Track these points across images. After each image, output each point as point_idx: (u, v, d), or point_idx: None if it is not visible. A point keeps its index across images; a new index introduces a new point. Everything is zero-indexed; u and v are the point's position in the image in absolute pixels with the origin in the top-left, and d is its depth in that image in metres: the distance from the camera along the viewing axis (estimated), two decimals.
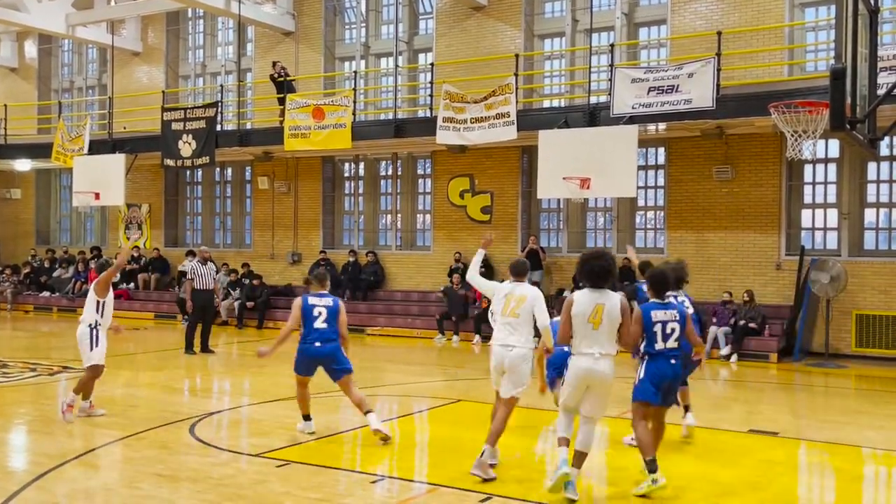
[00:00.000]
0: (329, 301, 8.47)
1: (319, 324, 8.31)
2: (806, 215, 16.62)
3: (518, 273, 7.45)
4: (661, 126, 15.74)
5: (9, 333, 19.12)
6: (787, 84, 14.76)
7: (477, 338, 16.93)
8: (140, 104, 22.86)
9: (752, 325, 15.31)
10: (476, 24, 19.27)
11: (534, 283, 8.53)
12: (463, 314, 17.53)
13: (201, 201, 24.25)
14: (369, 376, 12.94)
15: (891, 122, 9.45)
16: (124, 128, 22.32)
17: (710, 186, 16.79)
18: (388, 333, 18.41)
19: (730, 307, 15.69)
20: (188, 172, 23.48)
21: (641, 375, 6.83)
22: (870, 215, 16.27)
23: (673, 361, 6.82)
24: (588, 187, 14.62)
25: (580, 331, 6.50)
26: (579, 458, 6.52)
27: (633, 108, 14.84)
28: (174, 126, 20.31)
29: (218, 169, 23.27)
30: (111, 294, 9.32)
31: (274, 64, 20.14)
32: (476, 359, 15.06)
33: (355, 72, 20.20)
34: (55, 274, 24.59)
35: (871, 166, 16.04)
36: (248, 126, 21.79)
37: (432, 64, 18.76)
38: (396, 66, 20.26)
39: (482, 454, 6.90)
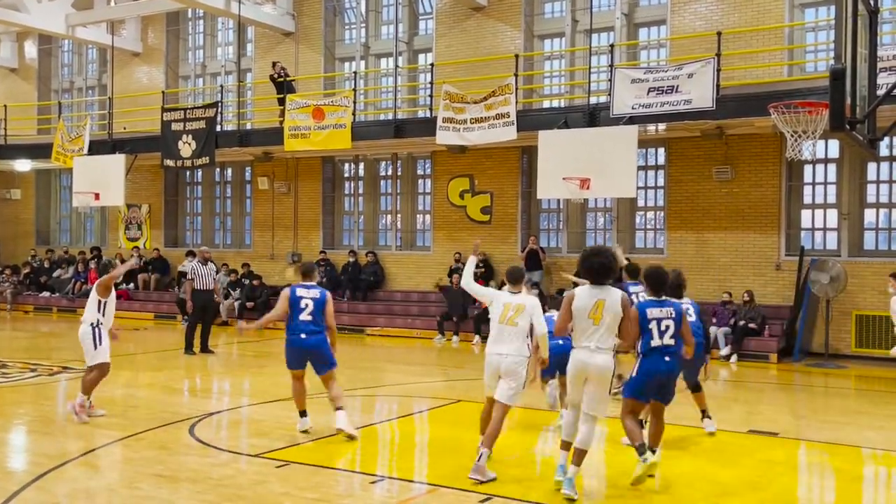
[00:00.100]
0: (316, 293, 8.54)
1: (305, 315, 8.41)
2: (806, 216, 16.62)
3: (514, 280, 7.50)
4: (661, 126, 15.75)
5: (9, 334, 19.12)
6: (787, 84, 14.76)
7: (476, 338, 16.92)
8: (140, 104, 22.87)
9: (751, 325, 15.32)
10: (476, 25, 19.27)
11: (534, 284, 8.58)
12: (463, 314, 17.53)
13: (201, 202, 24.25)
14: (369, 376, 12.95)
15: (890, 122, 9.46)
16: (124, 128, 22.32)
17: (709, 187, 16.79)
18: (387, 334, 18.41)
19: (729, 307, 15.70)
20: (188, 173, 23.48)
21: (635, 372, 6.98)
22: (869, 216, 16.27)
23: (667, 358, 6.91)
24: (588, 188, 14.62)
25: (580, 326, 6.58)
26: (579, 456, 6.55)
27: (632, 108, 14.84)
28: (174, 126, 20.31)
29: (218, 169, 23.27)
30: (113, 294, 9.33)
31: (274, 64, 20.13)
32: (476, 359, 15.04)
33: (355, 72, 20.20)
34: (55, 274, 24.59)
35: (871, 167, 16.04)
36: (248, 126, 21.79)
37: (432, 64, 18.77)
38: (396, 66, 20.27)
39: (479, 458, 6.90)
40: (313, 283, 8.70)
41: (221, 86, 21.70)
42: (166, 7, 22.37)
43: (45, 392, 11.35)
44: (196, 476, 7.03)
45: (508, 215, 18.98)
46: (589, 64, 16.54)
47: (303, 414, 8.61)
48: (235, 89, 22.06)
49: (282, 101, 19.23)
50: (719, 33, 15.05)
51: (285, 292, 8.59)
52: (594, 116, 15.63)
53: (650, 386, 6.97)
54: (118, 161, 20.59)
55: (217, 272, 17.29)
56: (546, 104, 18.91)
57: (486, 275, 18.16)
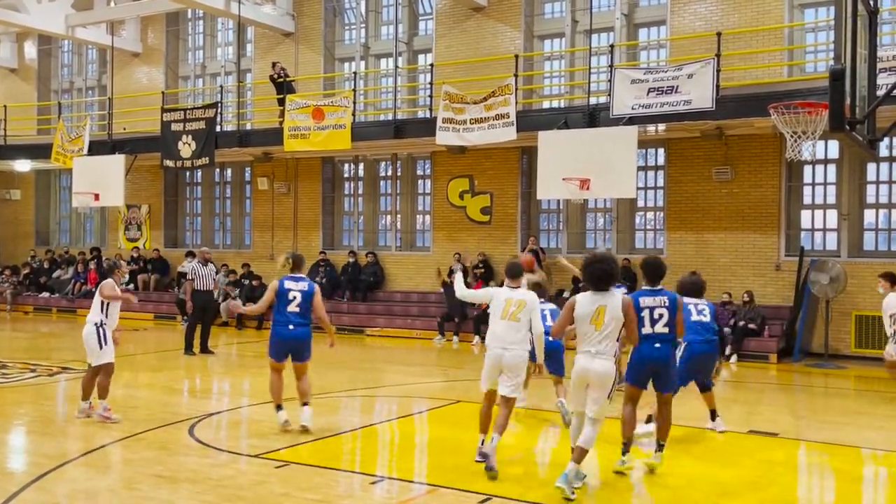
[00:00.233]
0: (304, 285, 8.63)
1: (293, 307, 8.50)
2: (805, 216, 16.62)
3: (513, 275, 7.62)
4: (661, 127, 15.75)
5: (8, 334, 19.10)
6: (787, 85, 14.76)
7: (476, 339, 16.91)
8: (140, 105, 22.87)
9: (751, 325, 15.32)
10: (476, 25, 19.28)
11: (538, 285, 8.66)
12: (463, 315, 17.53)
13: (201, 202, 24.24)
14: (369, 377, 12.95)
15: (890, 122, 9.46)
16: (124, 129, 22.32)
17: (709, 187, 16.79)
18: (387, 334, 18.41)
19: (729, 308, 15.70)
20: (188, 173, 23.48)
21: (630, 360, 7.30)
22: (869, 216, 16.27)
23: (658, 345, 7.17)
24: (588, 188, 14.63)
25: (582, 331, 6.68)
26: (580, 454, 6.60)
27: (632, 108, 14.84)
28: (174, 127, 20.31)
29: (217, 170, 23.27)
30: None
31: (274, 65, 20.13)
32: (475, 360, 15.03)
33: (355, 73, 20.21)
34: (55, 275, 24.58)
35: (871, 167, 16.04)
36: (248, 127, 21.79)
37: (432, 65, 18.77)
38: (396, 66, 20.27)
39: (492, 441, 7.07)
40: (302, 276, 8.79)
41: (221, 86, 21.70)
42: (166, 7, 22.37)
43: (44, 392, 11.35)
44: (196, 476, 7.03)
45: (508, 216, 18.98)
46: (589, 64, 16.55)
47: (279, 408, 8.68)
48: (235, 90, 22.06)
49: (281, 102, 19.23)
50: (719, 34, 15.05)
51: (273, 284, 8.72)
52: (594, 117, 15.64)
53: (643, 373, 7.26)
54: (118, 161, 20.60)
55: (217, 272, 17.31)
56: (546, 105, 18.91)
57: (485, 275, 18.18)
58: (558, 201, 18.24)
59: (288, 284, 8.59)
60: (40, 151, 23.12)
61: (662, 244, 17.48)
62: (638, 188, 16.16)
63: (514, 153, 18.65)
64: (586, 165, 14.51)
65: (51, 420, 9.41)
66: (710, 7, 16.76)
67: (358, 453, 8.30)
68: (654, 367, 7.22)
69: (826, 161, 16.31)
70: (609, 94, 15.41)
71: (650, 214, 18.15)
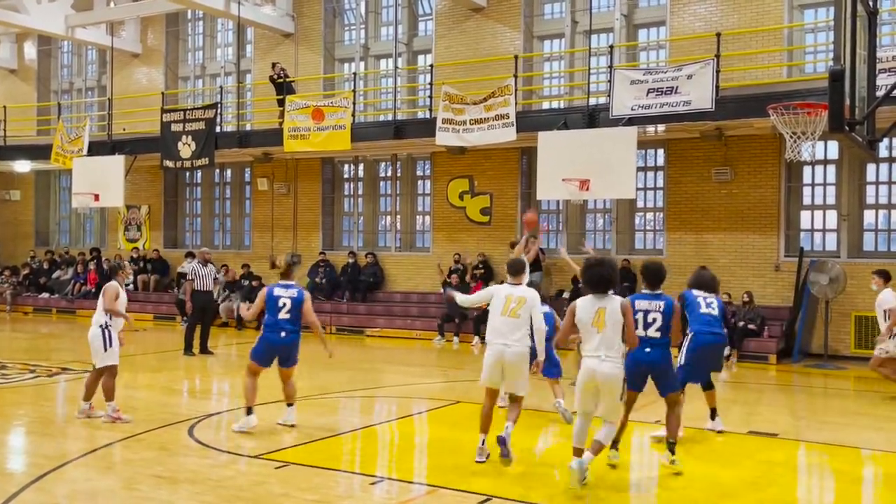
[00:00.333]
0: (294, 293, 8.65)
1: (283, 314, 8.55)
2: (805, 217, 16.62)
3: (515, 272, 7.71)
4: (661, 128, 15.76)
5: (8, 335, 19.09)
6: (787, 85, 14.77)
7: (476, 339, 16.91)
8: (139, 105, 22.87)
9: (751, 326, 15.32)
10: (475, 26, 19.29)
11: (534, 285, 8.68)
12: (463, 316, 17.52)
13: (201, 203, 24.24)
14: (368, 377, 12.95)
15: (890, 123, 9.46)
16: (124, 129, 22.31)
17: (709, 188, 16.80)
18: (387, 335, 18.40)
19: (729, 308, 15.66)
20: (187, 174, 23.49)
21: (625, 363, 7.26)
22: (869, 217, 16.27)
23: (648, 349, 7.26)
24: (587, 189, 14.64)
25: (586, 335, 6.78)
26: (597, 447, 6.75)
27: (632, 109, 14.85)
28: (174, 127, 20.30)
29: (217, 170, 23.27)
30: (122, 297, 9.19)
31: (273, 65, 20.13)
32: (475, 360, 15.02)
33: (355, 73, 20.22)
34: (54, 275, 24.57)
35: (871, 168, 16.05)
36: (248, 127, 21.80)
37: (432, 65, 18.78)
38: (396, 67, 20.27)
39: (506, 429, 7.22)
40: (291, 283, 8.80)
41: (221, 87, 21.70)
42: (166, 8, 22.37)
43: (44, 393, 11.34)
44: (195, 477, 7.03)
45: (508, 216, 18.98)
46: (588, 65, 16.56)
47: (250, 411, 8.69)
48: (235, 90, 22.07)
49: (281, 102, 19.23)
50: (719, 34, 15.06)
51: (262, 292, 8.76)
52: (594, 117, 15.64)
53: (636, 375, 7.35)
54: (118, 162, 20.60)
55: (217, 273, 17.27)
56: (545, 105, 18.93)
57: (485, 276, 18.18)
58: (558, 202, 18.25)
59: (277, 292, 8.62)
60: (40, 152, 23.12)
61: (662, 245, 17.49)
62: (637, 189, 16.18)
63: (514, 154, 18.65)
64: (586, 166, 14.52)
65: (50, 421, 9.41)
66: (709, 8, 16.76)
67: (357, 454, 8.31)
68: (645, 371, 7.33)
69: (826, 162, 16.32)
70: (609, 95, 15.41)
71: (650, 215, 18.15)
